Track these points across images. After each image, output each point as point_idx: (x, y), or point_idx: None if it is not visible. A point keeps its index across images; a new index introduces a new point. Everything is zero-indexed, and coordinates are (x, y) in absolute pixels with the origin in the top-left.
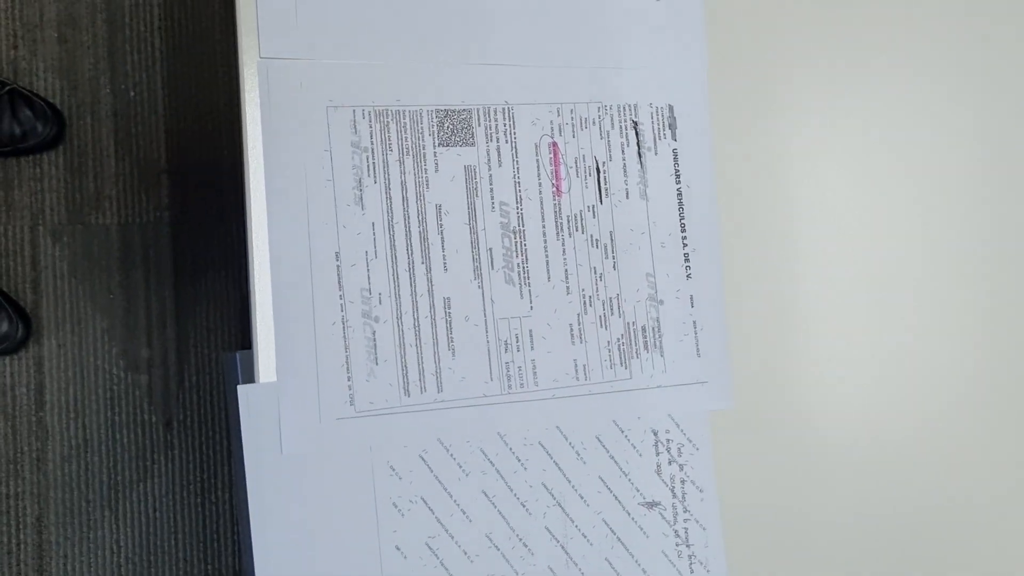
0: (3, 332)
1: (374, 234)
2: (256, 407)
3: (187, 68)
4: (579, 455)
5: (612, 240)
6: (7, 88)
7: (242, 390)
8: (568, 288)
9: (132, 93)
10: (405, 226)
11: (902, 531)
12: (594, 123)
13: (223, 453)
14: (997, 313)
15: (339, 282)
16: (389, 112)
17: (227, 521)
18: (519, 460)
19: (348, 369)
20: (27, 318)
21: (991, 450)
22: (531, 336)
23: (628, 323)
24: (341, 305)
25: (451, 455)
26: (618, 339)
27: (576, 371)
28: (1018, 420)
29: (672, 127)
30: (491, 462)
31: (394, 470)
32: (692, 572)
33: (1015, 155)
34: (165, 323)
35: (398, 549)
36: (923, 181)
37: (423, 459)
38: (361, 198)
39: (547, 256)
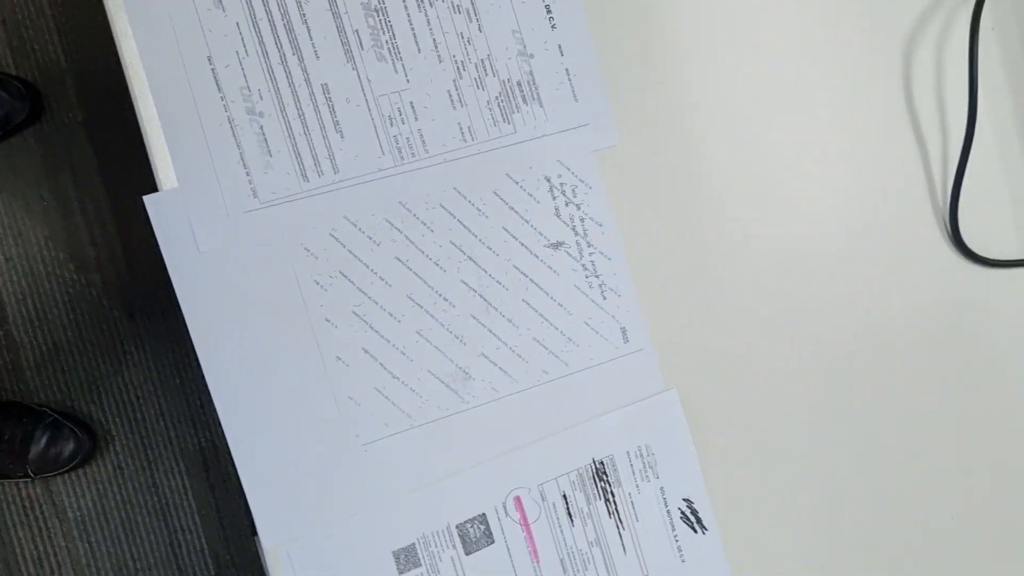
0: None
1: (240, 33)
2: (166, 214)
3: None
4: (480, 211)
5: (472, 4)
6: None
7: (148, 200)
8: (439, 57)
9: None
10: (269, 21)
11: (792, 210)
12: None
13: None
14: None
15: (217, 84)
16: None
17: (208, 394)
18: (424, 224)
19: (244, 164)
20: None
21: (869, 176)
22: (412, 107)
23: (503, 80)
24: (224, 106)
25: (359, 229)
26: (496, 97)
27: (462, 133)
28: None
29: None
30: (398, 230)
31: (309, 251)
32: (605, 298)
33: None
34: (104, 219)
35: (328, 321)
36: None
37: (334, 237)
38: (220, 1)
39: (413, 29)
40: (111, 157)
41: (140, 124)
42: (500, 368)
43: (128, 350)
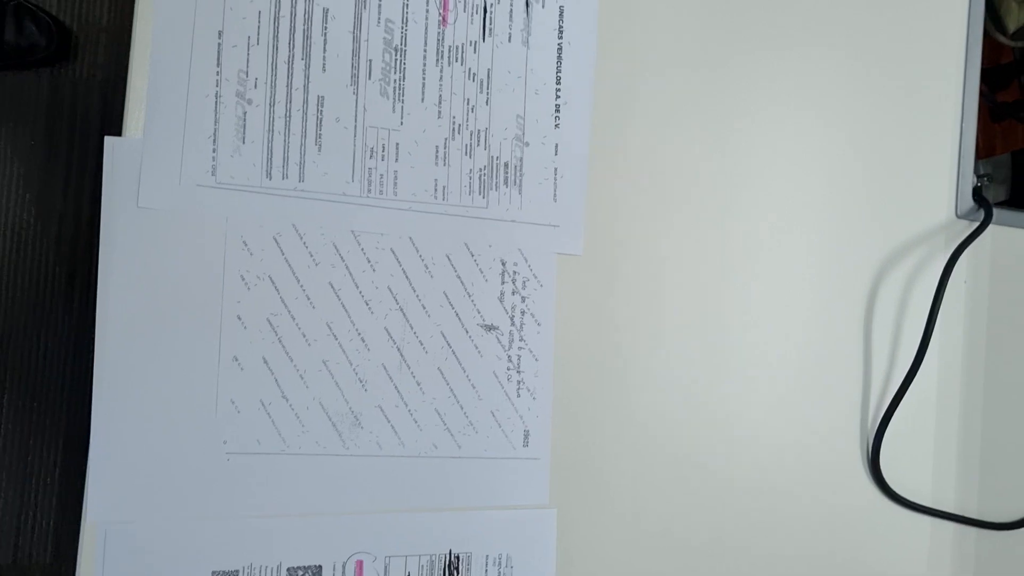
0: None
1: (259, 22)
2: (120, 160)
3: None
4: (427, 268)
5: (489, 77)
6: (12, 1)
7: (108, 141)
8: (440, 112)
9: None
10: (291, 21)
11: (725, 390)
12: None
13: None
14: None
15: (218, 59)
16: None
17: None
18: (369, 261)
19: (215, 141)
20: None
21: (818, 303)
22: (397, 148)
23: (492, 156)
24: (217, 81)
25: (304, 243)
26: (480, 169)
27: (436, 190)
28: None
29: None
30: (342, 257)
31: (246, 245)
32: (519, 396)
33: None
34: (84, 178)
35: (240, 319)
36: (820, 94)
37: (276, 241)
38: None
39: (424, 79)
40: (116, 125)
41: (129, 66)
42: (392, 427)
43: (55, 310)
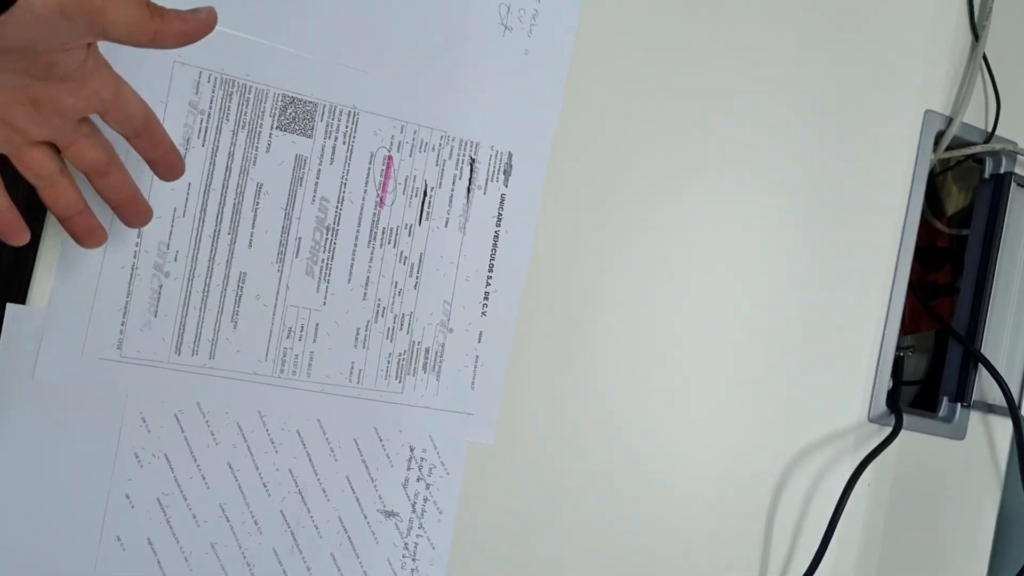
0: None
1: (188, 194)
2: (20, 329)
3: None
4: (333, 452)
5: (420, 261)
6: None
7: (10, 309)
8: (365, 294)
9: None
10: (221, 194)
11: None
12: (433, 149)
13: None
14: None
15: (139, 231)
16: (235, 83)
17: None
18: (272, 442)
19: (125, 314)
20: None
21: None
22: (317, 329)
23: (414, 341)
24: (135, 252)
25: (206, 421)
26: (400, 354)
27: (351, 373)
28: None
29: (507, 173)
30: (244, 437)
31: (145, 421)
32: None
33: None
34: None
35: (127, 497)
36: (738, 275)
37: (177, 418)
38: (184, 156)
39: (353, 259)
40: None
41: (43, 232)
42: None
43: None
